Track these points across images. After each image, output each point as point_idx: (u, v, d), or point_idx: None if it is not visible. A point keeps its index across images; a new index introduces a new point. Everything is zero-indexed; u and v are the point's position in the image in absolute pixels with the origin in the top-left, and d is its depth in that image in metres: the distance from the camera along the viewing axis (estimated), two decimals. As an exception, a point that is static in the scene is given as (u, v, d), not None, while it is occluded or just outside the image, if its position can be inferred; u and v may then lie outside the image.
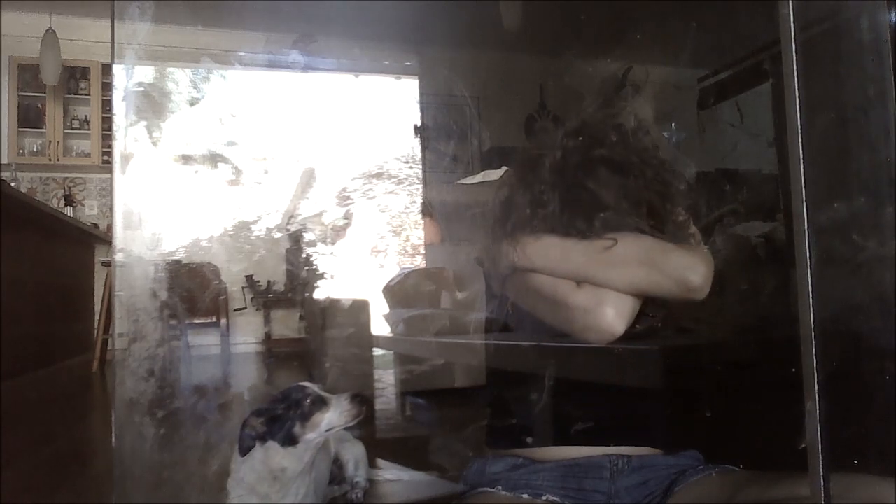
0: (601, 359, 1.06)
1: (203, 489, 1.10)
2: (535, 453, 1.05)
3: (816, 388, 0.62)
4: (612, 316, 0.97)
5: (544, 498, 0.99)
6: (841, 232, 0.73)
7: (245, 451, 1.03)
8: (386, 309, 2.71)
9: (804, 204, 0.63)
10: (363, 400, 1.08)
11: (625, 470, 1.01)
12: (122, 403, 0.94)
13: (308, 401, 1.05)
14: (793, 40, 0.65)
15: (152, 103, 1.15)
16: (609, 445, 1.02)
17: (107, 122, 5.64)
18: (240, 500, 1.04)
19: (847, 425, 0.67)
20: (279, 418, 1.04)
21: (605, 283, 0.99)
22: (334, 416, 1.06)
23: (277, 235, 1.76)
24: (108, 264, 4.67)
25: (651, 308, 1.04)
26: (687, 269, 0.98)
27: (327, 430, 1.06)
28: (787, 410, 0.67)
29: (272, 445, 1.04)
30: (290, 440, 1.04)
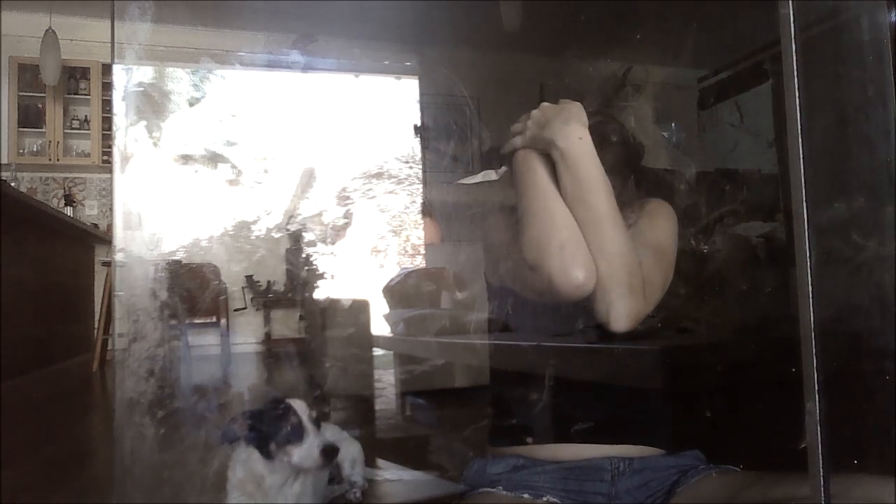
0: (601, 359, 1.06)
1: (203, 489, 1.10)
2: (537, 454, 1.05)
3: (816, 388, 0.62)
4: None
5: (545, 499, 0.99)
6: (841, 232, 0.73)
7: (225, 441, 1.03)
8: (386, 309, 2.72)
9: (804, 204, 0.63)
10: (332, 454, 1.07)
11: (626, 472, 1.01)
12: (122, 403, 0.94)
13: (288, 428, 1.05)
14: (793, 40, 0.65)
15: (152, 103, 1.14)
16: (610, 445, 1.02)
17: (107, 122, 5.64)
18: (237, 502, 1.04)
19: (847, 425, 0.67)
20: (259, 429, 1.05)
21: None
22: (302, 455, 1.05)
23: (277, 235, 1.76)
24: (108, 264, 4.67)
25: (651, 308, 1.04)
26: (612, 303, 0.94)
27: (295, 463, 1.06)
28: (787, 410, 0.67)
29: (254, 451, 1.04)
30: (267, 454, 1.05)
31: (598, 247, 0.96)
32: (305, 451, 1.05)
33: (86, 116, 5.74)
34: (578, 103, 1.01)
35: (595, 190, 0.97)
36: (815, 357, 0.62)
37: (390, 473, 1.56)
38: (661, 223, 1.09)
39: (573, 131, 0.97)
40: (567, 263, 0.94)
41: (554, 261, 0.95)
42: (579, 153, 0.97)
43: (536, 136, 1.01)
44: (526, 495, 1.00)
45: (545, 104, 1.03)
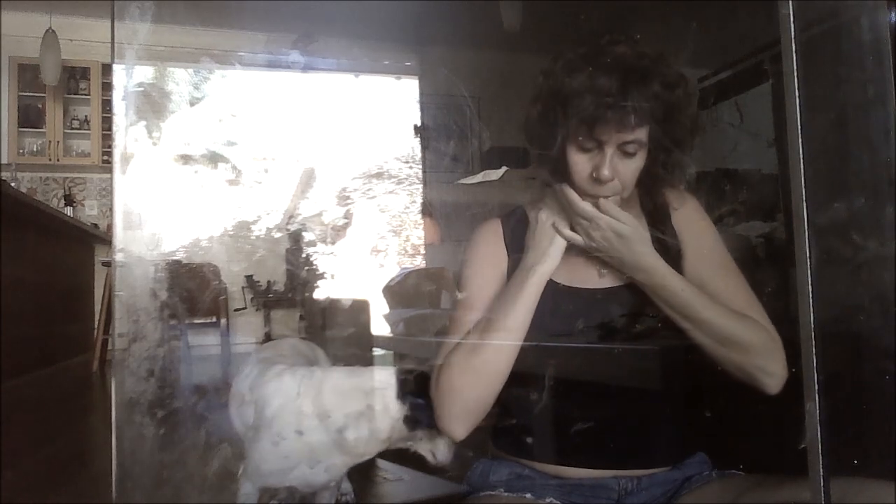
0: (601, 358, 1.06)
1: (203, 489, 1.10)
2: (541, 466, 1.04)
3: (816, 388, 0.62)
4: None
5: (548, 500, 0.98)
6: (841, 232, 0.73)
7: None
8: (386, 309, 2.71)
9: (804, 204, 0.63)
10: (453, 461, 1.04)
11: (634, 491, 1.00)
12: (122, 403, 0.94)
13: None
14: (793, 40, 0.65)
15: (152, 103, 1.14)
16: (619, 469, 1.01)
17: (107, 122, 5.64)
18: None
19: (847, 426, 0.67)
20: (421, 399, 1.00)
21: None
22: (438, 449, 1.02)
23: (277, 235, 1.76)
24: (108, 264, 4.67)
25: (651, 308, 1.04)
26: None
27: (425, 451, 1.03)
28: (787, 411, 0.67)
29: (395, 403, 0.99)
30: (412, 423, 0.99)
31: (719, 340, 0.93)
32: (439, 447, 1.02)
33: (86, 116, 5.74)
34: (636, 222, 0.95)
35: (690, 300, 0.95)
36: (815, 358, 0.62)
37: (390, 474, 1.56)
38: (711, 242, 1.07)
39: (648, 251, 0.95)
40: (457, 413, 0.96)
41: (451, 405, 0.95)
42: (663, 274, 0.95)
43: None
44: (528, 495, 1.00)
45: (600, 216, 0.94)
